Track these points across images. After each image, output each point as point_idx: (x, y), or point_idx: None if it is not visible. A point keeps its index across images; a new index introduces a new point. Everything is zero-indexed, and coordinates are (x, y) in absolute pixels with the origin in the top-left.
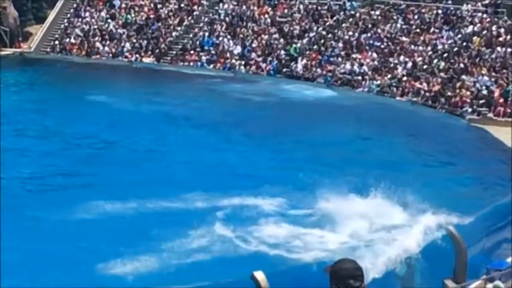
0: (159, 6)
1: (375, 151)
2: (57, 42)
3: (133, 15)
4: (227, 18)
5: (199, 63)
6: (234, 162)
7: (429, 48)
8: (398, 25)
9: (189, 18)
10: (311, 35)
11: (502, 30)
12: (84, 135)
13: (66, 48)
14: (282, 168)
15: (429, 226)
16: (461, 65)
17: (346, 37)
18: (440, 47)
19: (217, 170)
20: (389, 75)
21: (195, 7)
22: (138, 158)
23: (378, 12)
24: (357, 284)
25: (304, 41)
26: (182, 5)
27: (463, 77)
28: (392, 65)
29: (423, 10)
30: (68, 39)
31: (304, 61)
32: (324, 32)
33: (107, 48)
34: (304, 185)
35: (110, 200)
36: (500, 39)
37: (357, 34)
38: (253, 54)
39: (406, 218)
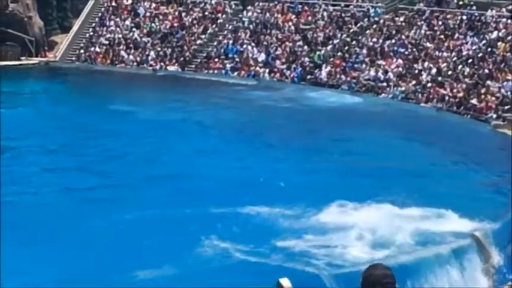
0: (183, 14)
1: (401, 158)
2: (82, 51)
3: (157, 23)
4: (251, 26)
5: (223, 71)
6: (258, 170)
7: (454, 54)
8: (423, 31)
9: (213, 26)
10: (335, 41)
11: None
12: (108, 144)
13: (91, 57)
14: (310, 176)
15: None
16: (486, 71)
17: (370, 44)
18: (464, 52)
19: (241, 178)
20: (413, 82)
21: (219, 15)
22: (161, 166)
23: (402, 19)
24: None
25: (328, 48)
26: (206, 13)
27: (488, 82)
28: (416, 71)
29: (447, 16)
30: (93, 48)
31: (329, 68)
32: (348, 39)
33: (131, 57)
34: (332, 193)
35: (132, 209)
36: None
37: (381, 40)
38: (277, 62)
39: (434, 225)
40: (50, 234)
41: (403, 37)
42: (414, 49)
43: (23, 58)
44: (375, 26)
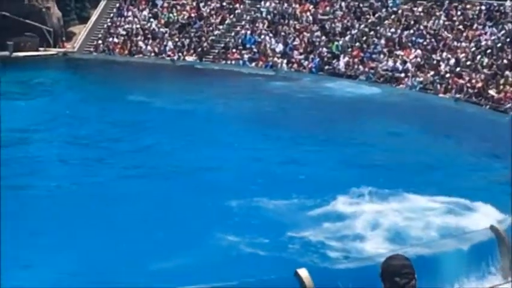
0: (201, 5)
1: (419, 149)
2: (100, 41)
3: (175, 14)
4: (269, 16)
5: (241, 62)
6: (276, 161)
7: (472, 44)
8: (441, 21)
9: (231, 16)
10: (353, 32)
11: None
12: (126, 136)
13: (109, 47)
14: (328, 167)
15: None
16: (505, 61)
17: (389, 34)
18: (483, 43)
19: (258, 169)
20: (432, 72)
21: (237, 5)
22: (180, 156)
23: (420, 9)
24: (403, 281)
25: (346, 38)
26: (224, 4)
27: (507, 73)
28: (435, 61)
29: (466, 6)
30: (111, 39)
31: (346, 58)
32: (366, 29)
33: (149, 47)
34: (350, 184)
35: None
36: None
37: (399, 31)
38: (295, 52)
39: (453, 217)
40: (69, 225)
41: (422, 27)
42: (433, 39)
43: (41, 49)
44: (393, 16)
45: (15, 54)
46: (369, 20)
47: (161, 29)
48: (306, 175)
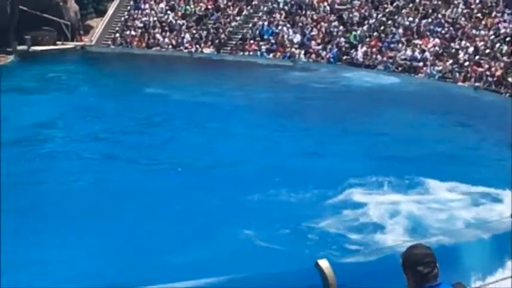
0: None
1: (439, 139)
2: (117, 34)
3: (192, 6)
4: (286, 7)
5: (258, 53)
6: (296, 151)
7: (491, 32)
8: (460, 10)
9: (248, 7)
10: (371, 21)
11: None
12: (145, 129)
13: (127, 40)
14: (347, 158)
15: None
16: None
17: (407, 23)
18: (502, 30)
19: (279, 160)
20: (450, 61)
21: None
22: (199, 149)
23: None
24: (426, 270)
25: (364, 28)
26: None
27: None
28: (453, 50)
29: None
30: (128, 32)
31: (364, 48)
32: (383, 19)
33: (166, 40)
34: (370, 175)
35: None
36: None
37: (417, 20)
38: (313, 43)
39: (475, 207)
40: (88, 221)
41: (440, 16)
42: (451, 28)
43: (59, 43)
44: (411, 5)
45: (33, 48)
46: (387, 9)
47: (178, 21)
48: (325, 166)
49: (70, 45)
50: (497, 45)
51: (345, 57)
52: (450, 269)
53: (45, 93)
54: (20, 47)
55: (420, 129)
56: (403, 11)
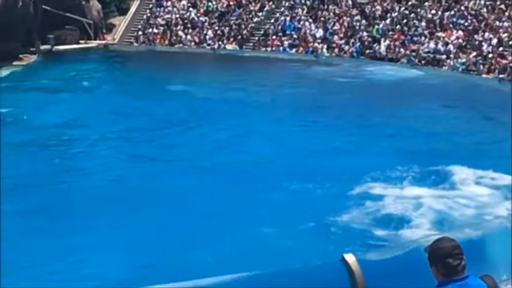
0: None
1: (467, 131)
2: (140, 32)
3: (214, 2)
4: (308, 2)
5: (281, 48)
6: (321, 146)
7: None
8: (482, 1)
9: (270, 3)
10: (393, 15)
11: None
12: (171, 127)
13: (150, 38)
14: (373, 152)
15: None
16: None
17: (429, 16)
18: None
19: (306, 153)
20: (474, 53)
21: None
22: (225, 145)
23: None
24: (455, 262)
25: (387, 21)
26: None
27: None
28: (477, 42)
29: None
30: (150, 30)
31: (387, 42)
32: (406, 12)
33: (189, 37)
34: (398, 168)
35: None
36: None
37: (440, 12)
38: (335, 37)
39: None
40: (116, 219)
41: (463, 8)
42: (474, 20)
43: (82, 42)
44: None
45: (56, 47)
46: (409, 2)
47: (201, 18)
48: (349, 160)
49: (93, 44)
50: None
51: (367, 51)
52: (478, 263)
53: (69, 92)
54: (43, 47)
55: (445, 122)
56: (426, 3)
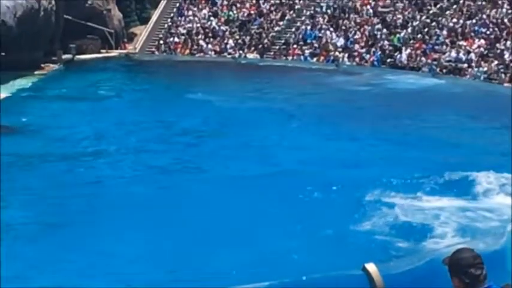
0: (260, 1)
1: (488, 142)
2: (161, 42)
3: (235, 11)
4: (329, 11)
5: (302, 57)
6: (346, 155)
7: None
8: (504, 10)
9: (291, 12)
10: (414, 23)
11: None
12: (190, 133)
13: (171, 47)
14: (394, 161)
15: None
16: None
17: (451, 24)
18: None
19: (326, 162)
20: (496, 62)
21: (297, 1)
22: (248, 154)
23: None
24: (478, 272)
25: (408, 30)
26: (283, 0)
27: None
28: (499, 50)
29: None
30: (171, 39)
31: (408, 50)
32: (427, 20)
33: (210, 46)
34: (420, 179)
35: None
36: None
37: (461, 21)
38: (357, 46)
39: None
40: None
41: (484, 17)
42: (496, 28)
43: (103, 51)
44: (455, 6)
45: (78, 56)
46: (431, 11)
47: (221, 27)
48: (369, 170)
49: (114, 53)
50: None
51: (388, 60)
52: (498, 272)
53: (90, 101)
54: (65, 56)
55: (467, 131)
56: (447, 12)
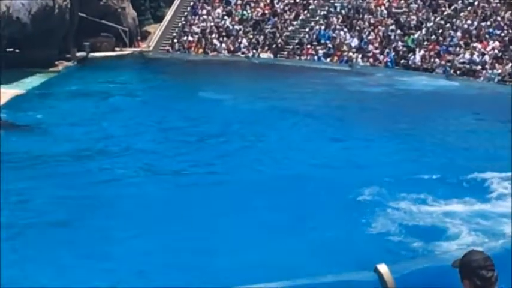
0: (275, 1)
1: (503, 144)
2: (175, 40)
3: (249, 11)
4: (343, 11)
5: (315, 57)
6: (359, 156)
7: None
8: None
9: (305, 12)
10: (429, 25)
11: None
12: (205, 134)
13: (184, 46)
14: (407, 164)
15: None
16: None
17: (465, 26)
18: None
19: (339, 164)
20: (510, 64)
21: (311, 1)
22: (262, 154)
23: (497, 0)
24: (489, 274)
25: (422, 31)
26: (298, 0)
27: None
28: None
29: None
30: (185, 37)
31: (422, 52)
32: (442, 22)
33: (224, 45)
34: (433, 181)
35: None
36: None
37: (476, 23)
38: (370, 47)
39: None
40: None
41: (499, 19)
42: (510, 30)
43: (117, 49)
44: (469, 8)
45: (91, 54)
46: (445, 13)
47: (235, 27)
48: (381, 170)
49: (128, 51)
50: None
51: (402, 61)
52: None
53: (104, 99)
54: (79, 54)
55: (481, 134)
56: (462, 14)
